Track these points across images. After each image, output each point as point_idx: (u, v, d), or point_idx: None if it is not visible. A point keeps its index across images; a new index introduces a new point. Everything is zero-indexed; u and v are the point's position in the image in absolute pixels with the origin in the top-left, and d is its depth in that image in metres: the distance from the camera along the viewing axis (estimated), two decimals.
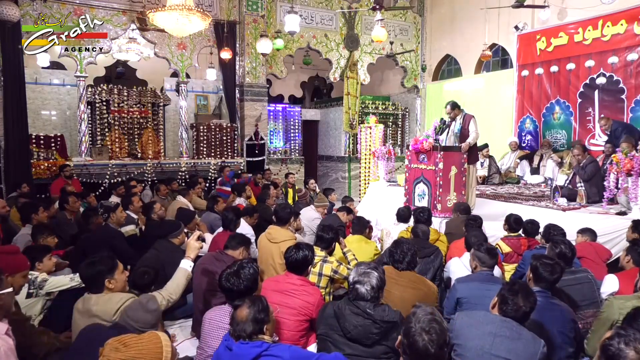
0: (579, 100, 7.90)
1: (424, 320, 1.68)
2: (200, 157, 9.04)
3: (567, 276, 2.94)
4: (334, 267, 3.21)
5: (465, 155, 5.56)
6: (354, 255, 3.66)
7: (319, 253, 3.32)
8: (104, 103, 8.32)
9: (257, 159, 9.56)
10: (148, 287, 2.96)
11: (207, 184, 8.17)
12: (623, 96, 7.22)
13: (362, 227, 4.28)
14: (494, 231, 4.82)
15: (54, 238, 3.83)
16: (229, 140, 9.29)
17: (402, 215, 4.89)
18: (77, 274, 3.22)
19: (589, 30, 7.61)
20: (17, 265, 2.52)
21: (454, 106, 5.83)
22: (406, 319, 1.74)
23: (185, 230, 4.55)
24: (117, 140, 8.38)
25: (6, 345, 1.98)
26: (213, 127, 9.20)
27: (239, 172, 8.54)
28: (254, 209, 5.27)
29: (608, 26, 7.33)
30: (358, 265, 2.39)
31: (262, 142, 9.64)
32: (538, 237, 4.21)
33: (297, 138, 11.62)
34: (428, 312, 1.73)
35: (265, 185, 7.69)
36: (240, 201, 6.40)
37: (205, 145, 9.08)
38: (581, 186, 5.75)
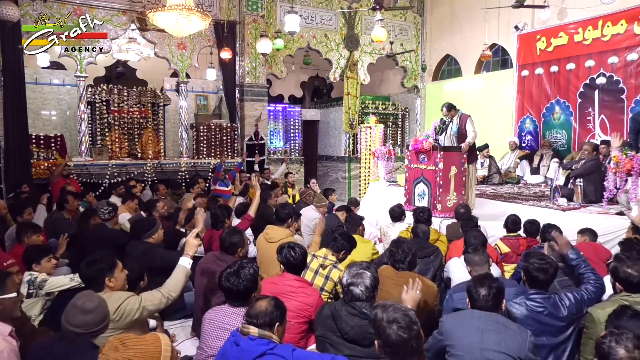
0: (579, 100, 7.90)
1: (386, 314, 1.74)
2: (200, 157, 9.04)
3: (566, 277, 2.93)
4: (341, 275, 3.17)
5: (465, 155, 5.56)
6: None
7: (331, 257, 3.31)
8: (104, 103, 8.32)
9: None
10: (136, 285, 2.90)
11: (207, 184, 8.17)
12: (623, 96, 7.22)
13: (356, 225, 4.29)
14: (494, 231, 4.82)
15: (39, 236, 3.73)
16: (229, 140, 9.29)
17: (395, 215, 4.88)
18: (77, 274, 3.23)
19: (589, 30, 7.61)
20: None
21: (450, 107, 5.83)
22: (373, 324, 1.79)
23: (183, 230, 4.56)
24: (117, 140, 8.38)
25: (9, 346, 1.98)
26: (213, 127, 9.19)
27: (240, 172, 8.54)
28: (247, 206, 5.27)
29: (608, 26, 7.33)
30: (350, 267, 2.41)
31: (262, 142, 9.64)
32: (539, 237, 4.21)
33: (297, 138, 11.62)
34: (387, 305, 1.79)
35: (272, 184, 7.68)
36: (240, 200, 6.39)
37: (205, 145, 9.08)
38: (579, 183, 5.76)
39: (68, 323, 1.98)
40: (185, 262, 2.74)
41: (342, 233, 3.60)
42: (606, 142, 6.55)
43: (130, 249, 3.62)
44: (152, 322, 3.18)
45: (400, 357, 1.71)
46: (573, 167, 6.24)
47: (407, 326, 1.69)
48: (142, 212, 5.20)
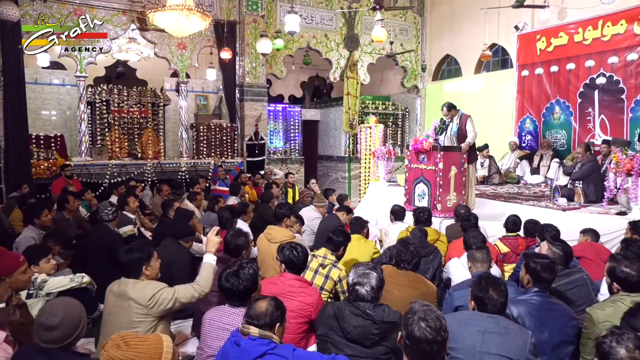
0: (579, 100, 7.90)
1: (421, 310, 1.74)
2: (200, 157, 9.04)
3: (564, 279, 2.93)
4: (341, 275, 3.20)
5: (465, 155, 5.56)
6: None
7: (330, 257, 3.32)
8: (104, 103, 8.33)
9: (257, 159, 9.56)
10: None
11: (208, 184, 8.19)
12: (623, 96, 7.22)
13: (360, 226, 4.29)
14: (494, 231, 4.82)
15: (60, 249, 3.88)
16: (229, 140, 9.29)
17: (398, 214, 4.90)
18: (77, 275, 3.24)
19: (589, 30, 7.61)
20: (6, 266, 2.52)
21: (450, 107, 5.83)
22: (405, 315, 1.80)
23: None
24: (117, 140, 8.39)
25: (4, 355, 1.96)
26: (213, 127, 9.20)
27: (240, 172, 8.54)
28: (246, 205, 5.30)
29: (608, 26, 7.32)
30: (356, 266, 2.39)
31: (262, 142, 9.64)
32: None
33: (297, 138, 11.62)
34: (424, 304, 1.79)
35: (268, 184, 7.69)
36: (233, 200, 6.39)
37: (205, 145, 9.08)
38: (578, 184, 5.77)
39: (38, 339, 1.91)
40: (210, 259, 2.83)
41: (334, 230, 3.59)
42: (607, 142, 6.56)
43: (166, 244, 3.77)
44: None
45: (417, 356, 1.70)
46: (572, 172, 6.25)
47: (435, 329, 1.68)
48: (122, 212, 5.21)
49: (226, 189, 7.41)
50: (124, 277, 2.64)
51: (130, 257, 2.64)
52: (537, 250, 3.24)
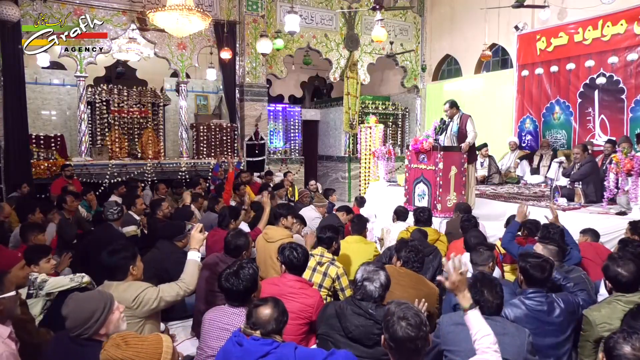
0: (579, 100, 7.90)
1: (398, 310, 1.76)
2: (200, 157, 9.04)
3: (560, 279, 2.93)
4: (339, 272, 3.21)
5: (465, 155, 5.56)
6: None
7: (327, 255, 3.33)
8: (104, 103, 8.32)
9: (257, 159, 9.56)
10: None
11: (208, 184, 8.19)
12: (623, 96, 7.22)
13: (362, 226, 4.28)
14: (494, 231, 4.82)
15: (44, 235, 3.80)
16: (229, 140, 9.29)
17: (401, 214, 4.90)
18: (77, 275, 3.23)
19: (589, 30, 7.61)
20: (3, 261, 2.54)
21: (453, 105, 5.84)
22: (384, 317, 1.81)
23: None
24: (117, 140, 8.38)
25: (8, 350, 1.97)
26: (213, 127, 9.20)
27: (240, 171, 8.54)
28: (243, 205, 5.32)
29: (608, 26, 7.32)
30: (365, 264, 2.40)
31: (262, 142, 9.64)
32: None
33: (297, 138, 11.62)
34: (401, 303, 1.82)
35: (276, 185, 7.69)
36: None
37: (205, 145, 9.08)
38: (578, 185, 5.77)
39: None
40: (194, 256, 2.81)
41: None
42: (611, 141, 6.55)
43: (160, 246, 3.78)
44: (162, 326, 3.18)
45: (403, 355, 1.72)
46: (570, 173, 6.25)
47: (416, 325, 1.71)
48: (128, 212, 5.21)
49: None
50: (107, 280, 2.60)
51: (116, 258, 2.61)
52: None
